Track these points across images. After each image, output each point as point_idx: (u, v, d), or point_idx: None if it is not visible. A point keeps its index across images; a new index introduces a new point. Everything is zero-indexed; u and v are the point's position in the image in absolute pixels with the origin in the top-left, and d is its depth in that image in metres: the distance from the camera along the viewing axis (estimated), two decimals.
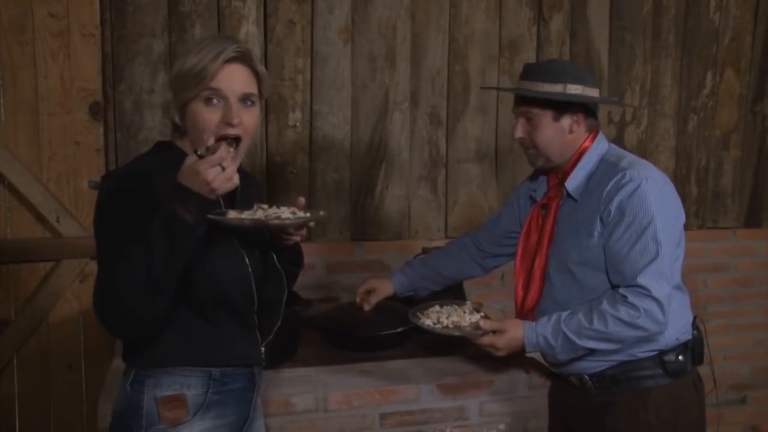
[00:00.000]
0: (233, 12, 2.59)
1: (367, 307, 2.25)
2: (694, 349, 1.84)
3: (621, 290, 1.71)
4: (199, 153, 1.32)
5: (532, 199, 2.02)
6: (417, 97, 2.82)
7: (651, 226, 1.69)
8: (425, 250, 2.74)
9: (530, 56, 2.90)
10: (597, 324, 1.70)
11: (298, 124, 2.71)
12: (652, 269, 1.67)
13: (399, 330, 2.33)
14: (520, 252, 1.97)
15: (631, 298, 1.68)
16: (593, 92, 1.85)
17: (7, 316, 2.48)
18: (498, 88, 2.17)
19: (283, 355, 2.19)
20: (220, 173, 1.31)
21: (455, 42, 2.83)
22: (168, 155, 1.49)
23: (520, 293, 1.96)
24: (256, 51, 2.59)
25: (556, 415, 2.05)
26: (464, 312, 1.99)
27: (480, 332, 1.84)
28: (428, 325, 1.94)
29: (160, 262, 1.30)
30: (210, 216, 1.38)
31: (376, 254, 2.84)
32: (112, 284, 1.31)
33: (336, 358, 2.26)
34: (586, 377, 1.86)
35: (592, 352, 1.78)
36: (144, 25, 2.52)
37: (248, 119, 1.46)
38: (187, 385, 1.49)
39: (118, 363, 2.14)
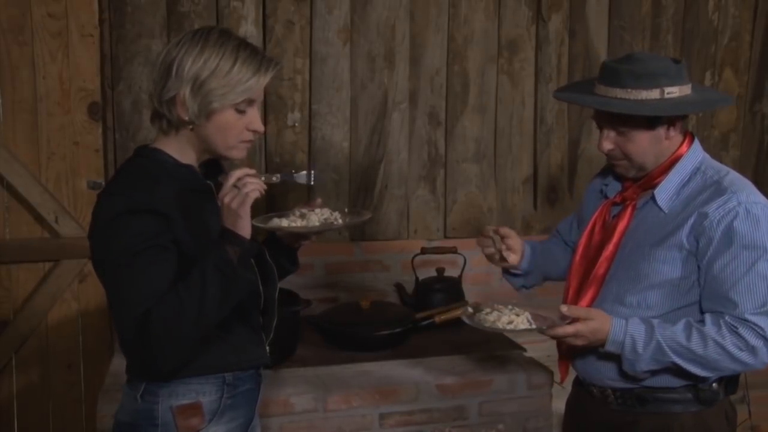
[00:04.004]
0: (232, 12, 2.59)
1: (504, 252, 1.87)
2: (729, 378, 1.70)
3: (728, 319, 1.56)
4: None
5: (603, 194, 1.83)
6: (416, 97, 2.82)
7: (764, 260, 1.56)
8: (424, 251, 2.76)
9: (529, 56, 2.90)
10: (695, 345, 1.56)
11: (297, 125, 2.71)
12: (764, 308, 1.55)
13: (398, 330, 2.35)
14: (580, 251, 1.78)
15: (741, 331, 1.55)
16: (687, 89, 1.63)
17: (6, 317, 2.48)
18: (582, 103, 1.79)
19: (282, 356, 2.19)
20: (236, 195, 1.36)
21: (454, 42, 2.83)
22: (160, 163, 1.46)
23: (572, 298, 1.78)
24: None
25: (572, 426, 1.91)
26: (516, 315, 1.74)
27: (567, 321, 1.64)
28: (503, 328, 1.70)
29: (213, 305, 1.36)
30: (273, 227, 1.49)
31: (376, 254, 2.83)
32: (158, 320, 1.33)
33: (335, 358, 2.27)
34: (609, 391, 1.73)
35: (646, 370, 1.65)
36: (143, 25, 2.52)
37: None
38: (202, 392, 1.49)
39: (117, 363, 2.15)
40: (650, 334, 1.59)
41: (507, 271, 1.95)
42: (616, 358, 1.68)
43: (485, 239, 1.87)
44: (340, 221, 1.59)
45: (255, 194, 1.37)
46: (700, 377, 1.65)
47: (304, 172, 1.54)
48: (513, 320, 1.68)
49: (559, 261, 1.97)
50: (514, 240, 1.87)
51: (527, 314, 1.70)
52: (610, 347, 1.63)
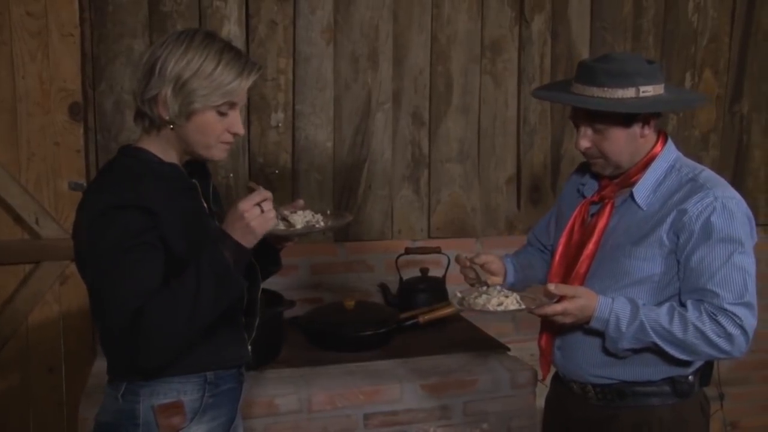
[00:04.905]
0: (215, 12, 2.59)
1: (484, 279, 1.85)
2: (704, 371, 1.77)
3: (708, 307, 1.61)
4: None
5: (580, 193, 1.87)
6: (399, 98, 2.83)
7: (739, 252, 1.61)
8: (408, 251, 2.77)
9: (512, 57, 2.92)
10: (676, 328, 1.61)
11: (280, 125, 2.71)
12: (744, 299, 1.61)
13: (382, 330, 2.36)
14: (560, 250, 1.82)
15: (720, 318, 1.60)
16: (660, 88, 1.68)
17: None
18: (554, 97, 1.83)
19: (266, 356, 2.18)
20: (259, 216, 1.40)
21: (437, 42, 2.85)
22: (144, 162, 1.47)
23: None
24: None
25: (552, 423, 1.95)
26: (505, 296, 1.73)
27: (554, 300, 1.65)
28: (493, 309, 1.68)
29: (206, 305, 1.37)
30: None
31: (360, 255, 2.84)
32: (152, 318, 1.34)
33: (319, 359, 2.28)
34: (590, 386, 1.78)
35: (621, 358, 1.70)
36: (125, 24, 2.50)
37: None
38: (183, 391, 1.49)
39: (100, 365, 2.14)
40: (635, 313, 1.64)
41: None
42: (596, 353, 1.72)
43: (466, 269, 1.87)
44: (322, 224, 1.61)
45: (275, 222, 1.45)
46: (677, 369, 1.70)
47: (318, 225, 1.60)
48: (502, 302, 1.69)
49: (537, 271, 2.00)
50: (496, 264, 1.88)
51: (516, 295, 1.71)
52: (595, 324, 1.66)
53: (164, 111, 1.43)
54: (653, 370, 1.71)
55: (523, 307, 1.68)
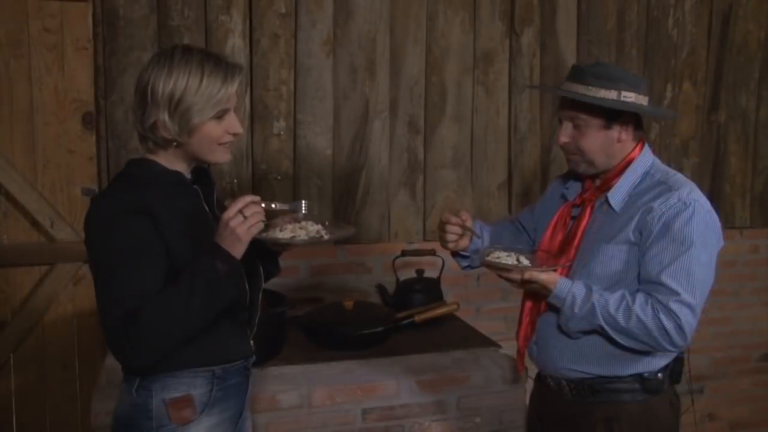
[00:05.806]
0: (220, 26, 2.67)
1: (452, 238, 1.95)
2: (674, 368, 1.82)
3: (654, 301, 1.68)
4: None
5: (563, 198, 1.93)
6: (396, 107, 2.91)
7: (690, 253, 1.67)
8: (404, 253, 2.80)
9: (503, 68, 3.01)
10: (620, 316, 1.68)
11: (282, 133, 2.80)
12: (684, 297, 1.65)
13: (379, 329, 2.39)
14: (543, 248, 1.88)
15: (661, 314, 1.66)
16: (645, 100, 1.77)
17: (4, 318, 2.55)
18: (545, 88, 1.89)
19: (268, 354, 2.23)
20: (242, 222, 1.43)
21: (432, 54, 2.93)
22: (149, 170, 1.54)
23: (535, 295, 1.85)
24: (243, 63, 2.67)
25: (534, 417, 1.99)
26: (516, 260, 1.82)
27: (528, 266, 1.75)
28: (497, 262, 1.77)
29: (195, 314, 1.44)
30: (269, 237, 1.54)
31: (358, 256, 2.91)
32: (147, 320, 1.40)
33: (319, 357, 2.31)
34: (564, 382, 1.83)
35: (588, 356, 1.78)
36: (134, 38, 2.58)
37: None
38: (193, 385, 1.55)
39: (110, 362, 2.15)
40: (588, 296, 1.72)
41: (456, 252, 2.04)
42: (569, 347, 1.80)
43: (452, 227, 1.95)
44: (327, 237, 1.66)
45: (260, 225, 1.47)
46: (646, 366, 1.78)
47: (302, 202, 1.63)
48: (500, 256, 1.78)
49: (504, 243, 2.05)
50: (469, 222, 1.97)
51: (515, 255, 1.80)
52: (551, 300, 1.75)
53: (166, 133, 1.49)
54: (622, 367, 1.78)
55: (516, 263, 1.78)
